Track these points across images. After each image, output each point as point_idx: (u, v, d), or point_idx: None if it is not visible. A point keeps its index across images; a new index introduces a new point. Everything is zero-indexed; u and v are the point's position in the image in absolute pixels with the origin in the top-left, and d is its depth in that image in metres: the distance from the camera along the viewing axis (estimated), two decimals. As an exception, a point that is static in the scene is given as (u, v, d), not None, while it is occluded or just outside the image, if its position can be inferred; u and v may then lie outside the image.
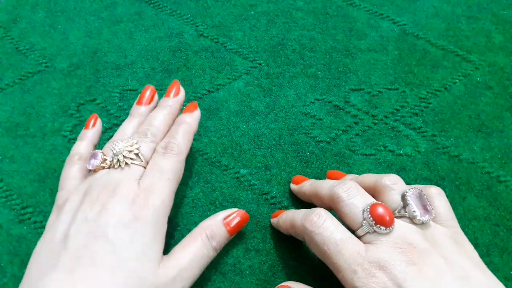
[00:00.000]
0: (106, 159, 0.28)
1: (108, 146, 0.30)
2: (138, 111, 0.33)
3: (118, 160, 0.28)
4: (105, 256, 0.24)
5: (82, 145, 0.32)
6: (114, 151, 0.28)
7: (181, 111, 0.33)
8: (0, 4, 0.48)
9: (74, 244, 0.24)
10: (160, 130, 0.30)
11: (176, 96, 0.33)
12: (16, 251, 0.31)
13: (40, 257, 0.25)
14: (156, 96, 0.34)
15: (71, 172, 0.30)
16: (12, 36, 0.45)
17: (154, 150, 0.29)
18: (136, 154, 0.28)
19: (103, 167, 0.28)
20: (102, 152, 0.29)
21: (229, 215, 0.29)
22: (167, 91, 0.33)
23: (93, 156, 0.29)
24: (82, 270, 0.23)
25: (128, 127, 0.32)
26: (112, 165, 0.28)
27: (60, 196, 0.28)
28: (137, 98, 0.34)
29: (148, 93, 0.33)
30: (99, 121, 0.34)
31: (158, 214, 0.26)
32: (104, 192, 0.26)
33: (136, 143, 0.29)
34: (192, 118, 0.32)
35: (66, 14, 0.47)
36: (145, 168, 0.29)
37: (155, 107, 0.34)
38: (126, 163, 0.28)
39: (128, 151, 0.28)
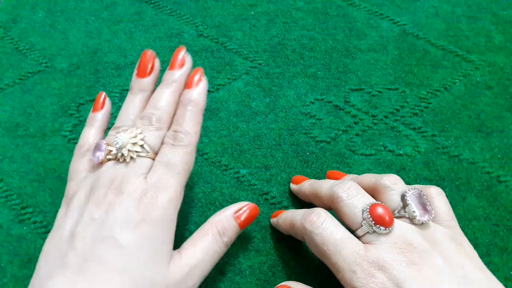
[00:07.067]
0: (111, 150, 0.27)
1: (112, 134, 0.28)
2: (140, 85, 0.30)
3: (123, 154, 0.26)
4: (113, 258, 0.23)
5: (91, 134, 0.30)
6: (118, 145, 0.26)
7: None
8: (0, 4, 0.48)
9: (82, 244, 0.24)
10: (166, 113, 0.28)
11: (181, 67, 0.29)
12: (16, 251, 0.31)
13: (49, 255, 0.25)
14: (157, 63, 0.30)
15: (80, 164, 0.28)
16: (12, 36, 0.45)
17: (162, 140, 0.28)
18: (141, 146, 0.27)
19: (109, 159, 0.27)
20: (106, 143, 0.27)
21: (239, 209, 0.28)
22: (171, 62, 0.30)
23: (98, 147, 0.27)
24: (90, 272, 0.23)
25: (130, 107, 0.29)
26: (117, 158, 0.27)
27: (70, 187, 0.28)
28: (136, 68, 0.30)
29: (147, 60, 0.30)
30: (107, 101, 0.31)
31: (167, 212, 0.25)
32: (111, 190, 0.25)
33: (141, 133, 0.27)
34: (199, 93, 0.28)
35: (66, 14, 0.47)
36: (152, 159, 0.27)
37: (157, 75, 0.31)
38: (132, 157, 0.26)
39: (132, 143, 0.26)
